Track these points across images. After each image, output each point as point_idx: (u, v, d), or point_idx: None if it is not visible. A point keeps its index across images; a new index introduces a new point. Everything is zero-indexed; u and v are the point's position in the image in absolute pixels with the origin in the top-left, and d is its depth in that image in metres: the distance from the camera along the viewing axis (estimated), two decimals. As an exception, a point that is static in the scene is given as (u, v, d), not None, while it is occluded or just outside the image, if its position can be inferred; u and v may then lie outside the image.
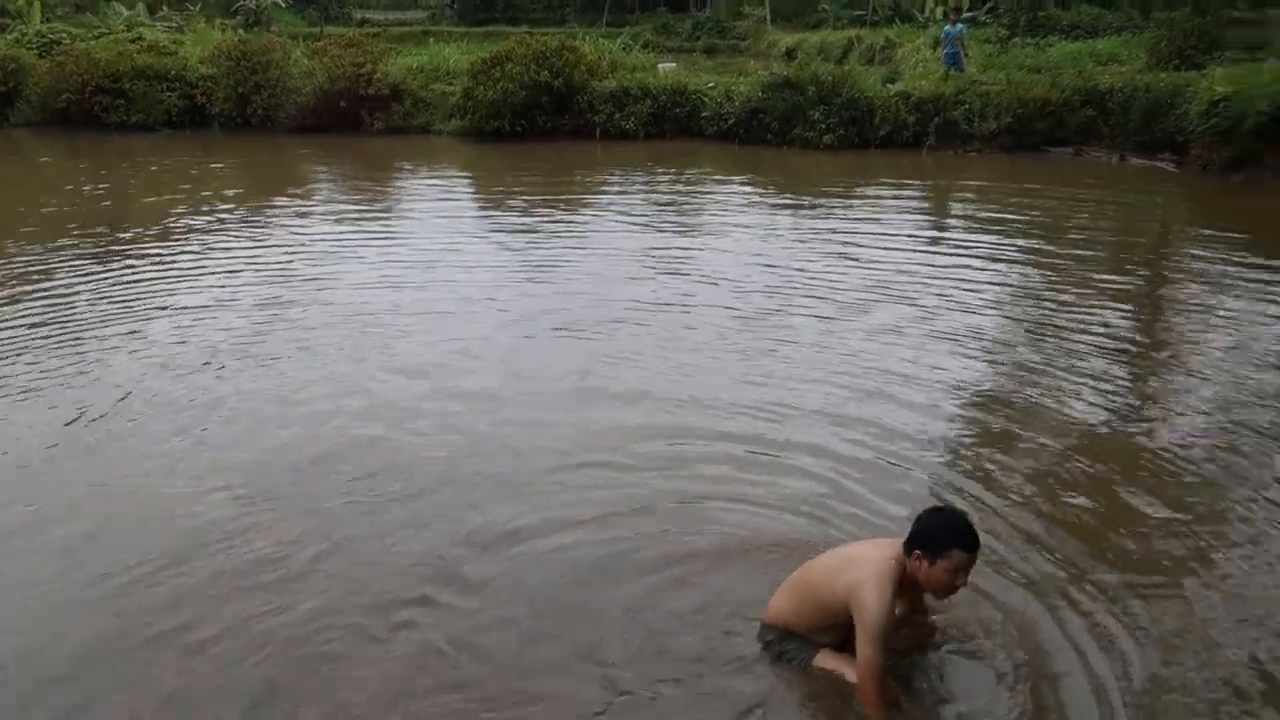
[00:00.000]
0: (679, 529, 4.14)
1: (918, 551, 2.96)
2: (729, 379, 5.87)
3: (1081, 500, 4.45)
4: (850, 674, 3.06)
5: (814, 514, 4.25)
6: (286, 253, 9.35)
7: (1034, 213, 11.22)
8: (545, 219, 11.00)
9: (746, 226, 10.55)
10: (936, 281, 8.10)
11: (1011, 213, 11.22)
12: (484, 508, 4.35)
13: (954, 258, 9.05)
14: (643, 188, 13.10)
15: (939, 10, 34.56)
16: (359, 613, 3.60)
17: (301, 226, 10.70)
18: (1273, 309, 7.31)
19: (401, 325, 6.97)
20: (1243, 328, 6.95)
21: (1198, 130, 12.91)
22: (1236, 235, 9.91)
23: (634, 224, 10.69)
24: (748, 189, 13.23)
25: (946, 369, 6.08)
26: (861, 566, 3.01)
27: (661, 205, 11.79)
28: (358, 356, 6.33)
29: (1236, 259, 8.91)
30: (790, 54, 36.69)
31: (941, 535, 2.95)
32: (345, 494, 4.49)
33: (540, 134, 16.78)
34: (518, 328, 6.95)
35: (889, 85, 16.97)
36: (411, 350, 6.45)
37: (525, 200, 12.10)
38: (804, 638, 3.21)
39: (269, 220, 11.10)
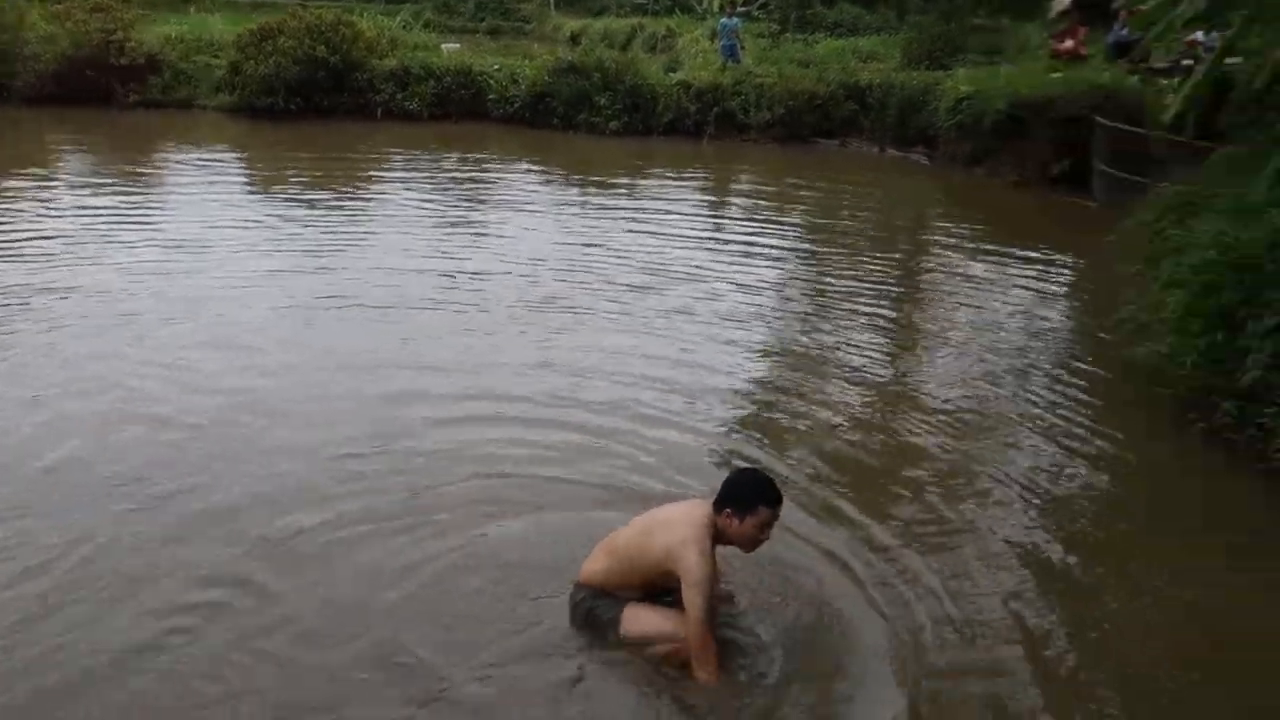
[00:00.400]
0: (477, 503, 4.15)
1: (728, 510, 3.13)
2: (524, 356, 5.91)
3: (864, 450, 4.92)
4: (658, 623, 3.21)
5: (614, 478, 4.39)
6: (34, 236, 8.44)
7: (807, 198, 12.00)
8: (327, 200, 10.56)
9: (538, 209, 10.60)
10: (723, 261, 8.51)
11: (787, 199, 11.93)
12: (267, 499, 4.16)
13: (737, 239, 9.51)
14: (430, 169, 12.83)
15: (716, 3, 35.95)
16: (127, 620, 3.35)
17: (50, 207, 9.70)
18: (1006, 282, 8.33)
19: (172, 312, 6.49)
20: (984, 298, 7.84)
21: (945, 126, 14.17)
22: (978, 221, 11.09)
23: (422, 205, 10.47)
24: (537, 172, 13.25)
25: (735, 339, 6.46)
26: (676, 528, 3.14)
27: (450, 186, 11.60)
28: (123, 346, 5.84)
29: (978, 241, 10.05)
30: (575, 39, 36.82)
31: (749, 494, 3.15)
32: (112, 492, 4.16)
33: (317, 112, 16.02)
34: (299, 311, 6.65)
35: (671, 74, 17.49)
36: (181, 337, 6.02)
37: (305, 180, 11.56)
38: (613, 595, 3.32)
39: (10, 200, 9.97)
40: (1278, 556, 4.15)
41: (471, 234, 9.24)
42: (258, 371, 5.49)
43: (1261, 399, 4.66)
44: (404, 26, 21.15)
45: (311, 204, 10.30)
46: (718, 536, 3.18)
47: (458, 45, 20.75)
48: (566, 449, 4.68)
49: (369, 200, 10.84)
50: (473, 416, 5.02)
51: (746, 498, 3.14)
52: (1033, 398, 5.68)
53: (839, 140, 16.34)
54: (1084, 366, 6.30)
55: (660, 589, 3.22)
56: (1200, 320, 4.99)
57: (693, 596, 3.04)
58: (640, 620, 3.25)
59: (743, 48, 18.18)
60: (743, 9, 21.52)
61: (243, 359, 5.66)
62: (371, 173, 12.50)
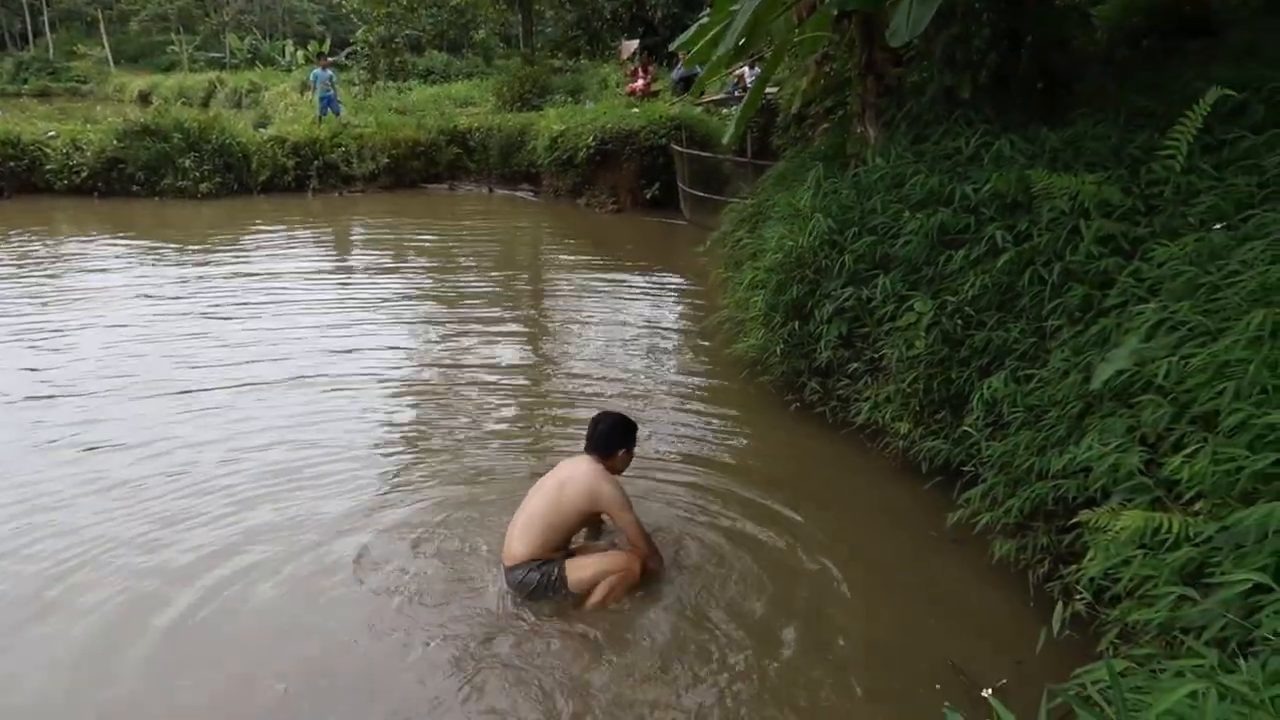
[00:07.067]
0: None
1: (622, 450, 3.86)
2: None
3: (519, 441, 5.09)
4: (599, 563, 3.74)
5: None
6: None
7: (425, 241, 12.05)
8: None
9: (128, 286, 9.59)
10: (356, 308, 8.41)
11: (406, 244, 11.92)
12: None
13: (364, 285, 9.36)
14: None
15: (300, 54, 34.82)
16: None
17: None
18: (622, 298, 9.10)
19: None
20: (606, 314, 8.49)
21: (544, 163, 14.97)
22: (588, 246, 11.87)
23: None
24: (121, 245, 11.95)
25: (390, 378, 6.40)
26: (580, 479, 3.69)
27: (14, 277, 10.12)
28: None
29: (592, 263, 10.86)
30: (145, 98, 33.99)
31: (627, 428, 3.89)
32: None
33: None
34: None
35: (261, 130, 16.72)
36: None
37: None
38: (547, 560, 3.68)
39: None
40: (855, 496, 4.88)
41: (51, 331, 8.13)
42: None
43: (835, 374, 5.47)
44: (-78, 94, 18.13)
45: None
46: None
47: (1, 112, 18.17)
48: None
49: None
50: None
51: (628, 432, 3.88)
52: (660, 396, 6.28)
53: (447, 184, 16.61)
54: (698, 364, 7.02)
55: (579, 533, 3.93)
56: (779, 314, 5.74)
57: (623, 513, 3.71)
58: (583, 567, 3.71)
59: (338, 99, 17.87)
60: (331, 59, 21.09)
61: None
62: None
